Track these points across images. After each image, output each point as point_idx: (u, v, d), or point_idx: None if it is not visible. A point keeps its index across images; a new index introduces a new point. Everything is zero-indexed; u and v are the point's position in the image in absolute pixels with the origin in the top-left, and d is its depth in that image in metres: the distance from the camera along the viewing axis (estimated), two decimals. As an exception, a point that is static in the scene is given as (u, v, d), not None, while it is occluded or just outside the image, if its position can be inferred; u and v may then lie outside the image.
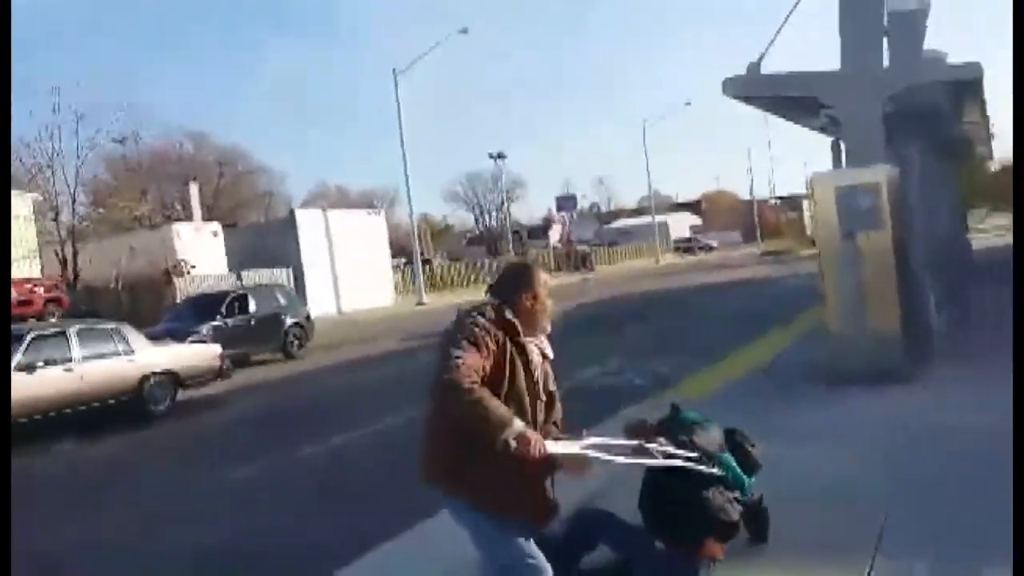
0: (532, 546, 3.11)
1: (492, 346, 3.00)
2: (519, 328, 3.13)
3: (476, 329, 3.00)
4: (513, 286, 3.25)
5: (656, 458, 3.64)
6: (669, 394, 9.24)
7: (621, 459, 3.42)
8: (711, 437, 4.06)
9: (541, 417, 3.20)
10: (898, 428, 6.66)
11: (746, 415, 7.62)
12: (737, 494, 4.03)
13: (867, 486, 5.33)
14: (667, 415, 4.15)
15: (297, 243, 34.98)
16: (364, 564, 4.86)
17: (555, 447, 3.01)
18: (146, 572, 5.70)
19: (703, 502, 3.89)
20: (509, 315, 3.15)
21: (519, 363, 3.08)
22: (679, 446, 3.80)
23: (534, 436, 2.86)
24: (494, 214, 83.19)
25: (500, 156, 59.04)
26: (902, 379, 8.12)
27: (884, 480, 5.40)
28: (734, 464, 4.05)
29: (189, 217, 40.14)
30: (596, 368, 12.40)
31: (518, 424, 2.84)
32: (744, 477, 4.07)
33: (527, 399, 3.10)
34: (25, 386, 10.38)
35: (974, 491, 5.08)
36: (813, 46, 12.09)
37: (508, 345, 3.06)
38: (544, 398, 3.22)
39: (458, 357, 2.88)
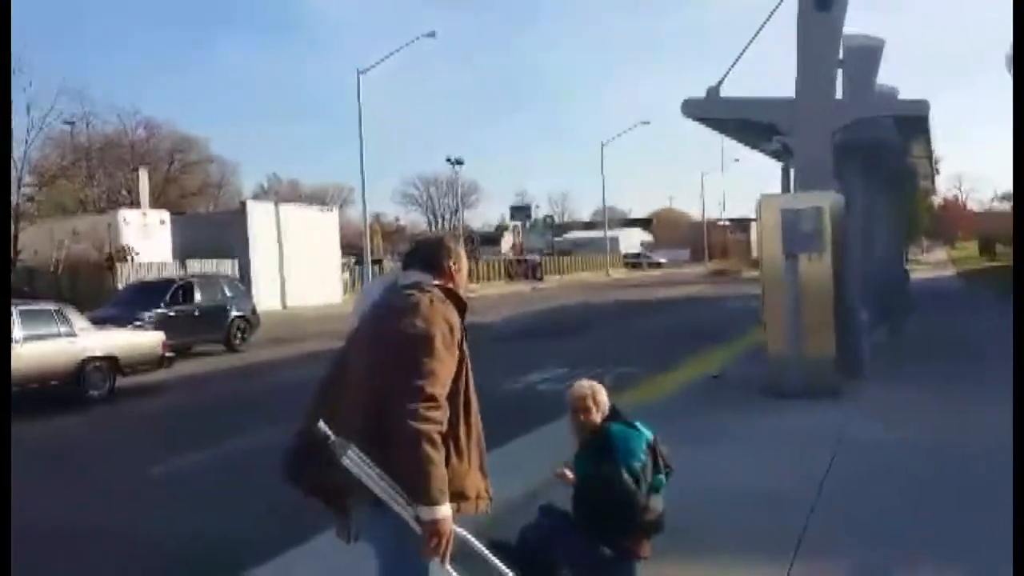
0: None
1: (457, 335, 2.75)
2: (466, 306, 2.88)
3: (442, 322, 2.70)
4: (438, 257, 2.95)
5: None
6: (618, 398, 9.47)
7: None
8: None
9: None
10: (825, 438, 6.98)
11: (685, 422, 7.93)
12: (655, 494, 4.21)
13: (793, 489, 5.60)
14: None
15: (246, 235, 34.54)
16: (303, 552, 4.86)
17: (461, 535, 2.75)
18: (68, 554, 5.65)
19: (633, 506, 4.08)
20: (459, 291, 2.89)
21: (466, 348, 2.81)
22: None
23: (447, 529, 2.58)
24: (448, 218, 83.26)
25: (458, 162, 59.03)
26: (833, 395, 8.48)
27: (810, 484, 5.67)
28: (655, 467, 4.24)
29: (137, 204, 39.43)
30: (539, 374, 12.57)
31: (445, 509, 2.57)
32: (662, 477, 4.25)
33: (472, 392, 2.85)
34: (-38, 363, 10.17)
35: (891, 498, 5.42)
36: (771, 74, 12.46)
37: (461, 328, 2.79)
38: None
39: (431, 388, 2.58)
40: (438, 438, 2.58)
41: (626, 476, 4.06)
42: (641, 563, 4.17)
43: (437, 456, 2.56)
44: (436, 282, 2.85)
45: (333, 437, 2.55)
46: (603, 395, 4.32)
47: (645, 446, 4.18)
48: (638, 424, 4.30)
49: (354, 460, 2.54)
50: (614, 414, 4.32)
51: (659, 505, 4.21)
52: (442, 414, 2.61)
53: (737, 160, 51.06)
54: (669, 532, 4.44)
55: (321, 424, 2.57)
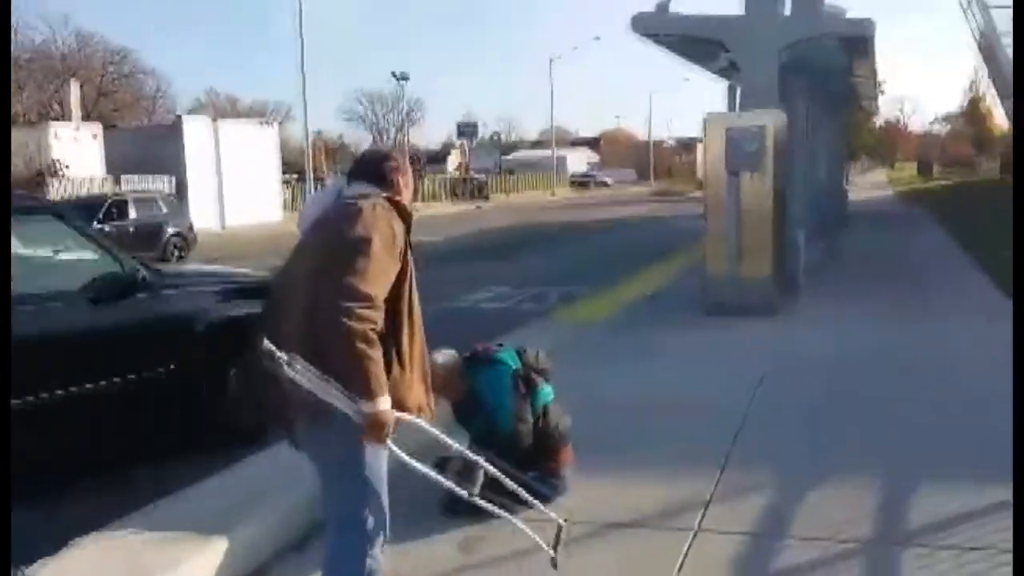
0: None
1: (400, 243, 2.71)
2: (411, 216, 2.83)
3: (384, 227, 2.67)
4: (384, 169, 2.90)
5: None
6: (558, 316, 9.56)
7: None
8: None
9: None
10: (758, 353, 7.17)
11: (622, 339, 8.04)
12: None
13: (725, 402, 5.73)
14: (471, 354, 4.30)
15: (182, 151, 33.49)
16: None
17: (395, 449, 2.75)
18: None
19: (523, 440, 4.09)
20: (403, 203, 2.83)
21: (410, 259, 2.79)
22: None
23: (389, 420, 2.60)
24: (393, 135, 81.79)
25: (403, 77, 57.63)
26: (769, 312, 8.66)
27: (741, 398, 5.81)
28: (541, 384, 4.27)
29: (68, 117, 37.91)
30: (483, 293, 12.56)
31: (384, 401, 2.58)
32: (547, 390, 4.27)
33: (416, 303, 2.83)
34: None
35: (821, 409, 5.59)
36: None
37: (405, 239, 2.76)
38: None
39: (367, 288, 2.55)
40: (373, 336, 2.56)
41: (508, 424, 4.04)
42: (566, 475, 4.21)
43: (373, 352, 2.55)
44: (383, 194, 2.80)
45: (279, 353, 2.52)
46: (450, 358, 4.17)
47: (511, 378, 4.15)
48: (498, 355, 4.25)
49: (299, 371, 2.53)
50: (472, 359, 4.26)
51: (558, 416, 4.21)
52: (377, 315, 2.58)
53: (687, 79, 50.68)
54: (601, 445, 4.52)
55: (266, 342, 2.53)
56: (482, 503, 2.97)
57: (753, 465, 4.54)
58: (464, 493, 2.91)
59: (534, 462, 4.12)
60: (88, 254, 5.15)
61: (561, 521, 3.22)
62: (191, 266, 6.68)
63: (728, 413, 5.45)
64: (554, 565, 3.19)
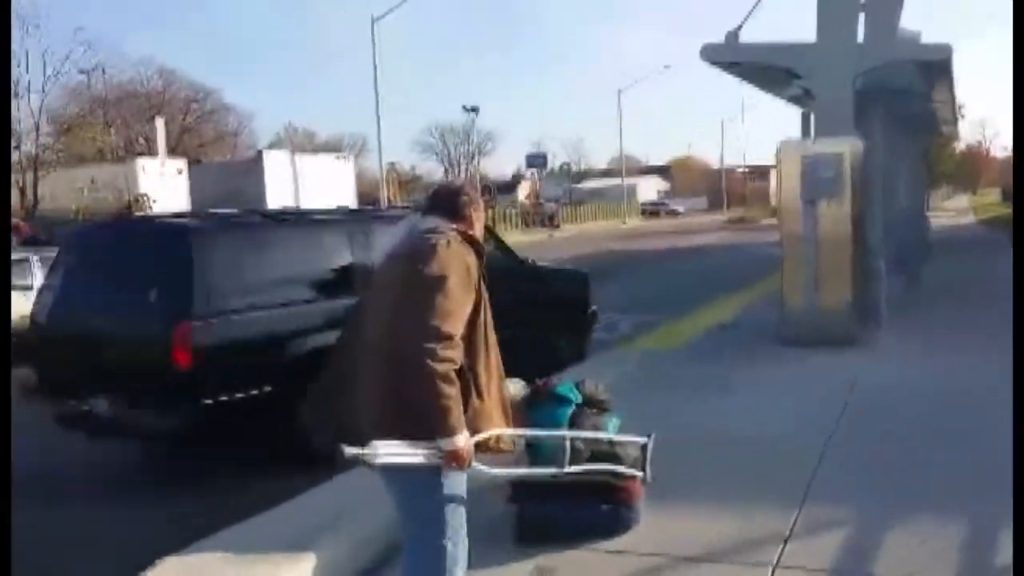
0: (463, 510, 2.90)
1: (474, 276, 2.80)
2: (484, 251, 2.93)
3: (459, 263, 2.76)
4: (457, 203, 2.99)
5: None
6: (633, 345, 9.53)
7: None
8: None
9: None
10: (838, 386, 7.00)
11: (698, 370, 7.96)
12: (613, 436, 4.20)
13: (804, 436, 5.63)
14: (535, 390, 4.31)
15: (263, 184, 34.44)
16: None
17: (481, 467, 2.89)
18: None
19: (605, 459, 4.04)
20: (477, 236, 2.95)
21: (484, 291, 2.87)
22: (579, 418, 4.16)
23: (467, 453, 2.72)
24: (464, 167, 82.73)
25: (474, 110, 58.47)
26: (848, 344, 8.45)
27: (821, 431, 5.70)
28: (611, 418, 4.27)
29: (154, 152, 39.43)
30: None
31: (462, 437, 2.69)
32: (614, 422, 4.26)
33: (492, 333, 2.92)
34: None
35: (903, 446, 5.43)
36: (791, 18, 12.20)
37: (479, 271, 2.85)
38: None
39: (447, 328, 2.65)
40: (453, 376, 2.67)
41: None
42: (639, 506, 4.19)
43: (452, 391, 2.66)
44: (454, 226, 2.89)
45: (361, 453, 2.64)
46: (520, 389, 4.22)
47: (570, 420, 4.11)
48: (558, 389, 4.26)
49: (385, 454, 2.67)
50: (533, 395, 4.28)
51: (626, 445, 4.16)
52: (457, 353, 2.69)
53: (755, 107, 50.18)
54: (675, 477, 4.49)
55: (347, 450, 2.63)
56: None
57: (833, 500, 4.46)
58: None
59: (605, 493, 4.12)
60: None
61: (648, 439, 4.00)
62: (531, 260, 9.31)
63: (807, 446, 5.37)
64: (644, 481, 4.06)
